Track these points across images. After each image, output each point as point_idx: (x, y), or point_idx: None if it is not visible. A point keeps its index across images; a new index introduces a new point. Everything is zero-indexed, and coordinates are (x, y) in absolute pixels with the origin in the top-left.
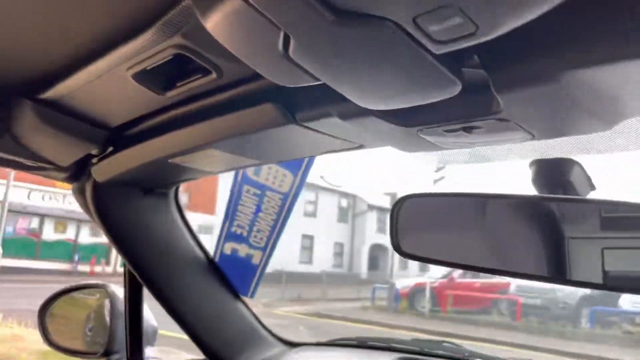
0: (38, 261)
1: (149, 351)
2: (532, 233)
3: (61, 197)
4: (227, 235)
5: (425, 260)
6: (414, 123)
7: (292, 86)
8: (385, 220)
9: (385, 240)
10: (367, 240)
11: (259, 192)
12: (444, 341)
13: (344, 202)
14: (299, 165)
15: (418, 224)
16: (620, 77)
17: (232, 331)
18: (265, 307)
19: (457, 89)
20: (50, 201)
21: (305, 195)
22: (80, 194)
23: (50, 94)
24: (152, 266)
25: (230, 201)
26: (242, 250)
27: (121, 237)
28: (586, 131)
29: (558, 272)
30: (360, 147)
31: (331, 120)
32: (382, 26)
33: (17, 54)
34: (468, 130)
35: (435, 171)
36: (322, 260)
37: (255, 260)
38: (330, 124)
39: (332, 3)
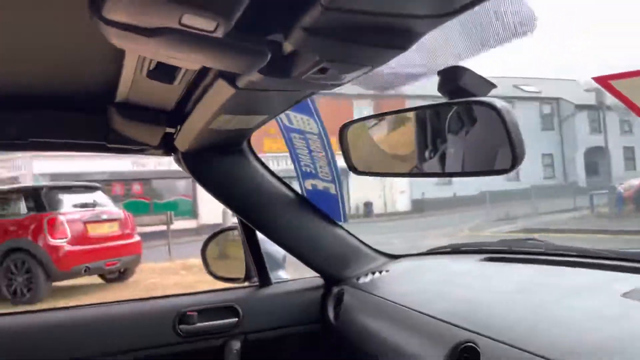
0: None
1: (281, 273)
2: (450, 135)
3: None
4: (302, 174)
5: (376, 174)
6: (288, 74)
7: None
8: (599, 120)
9: (602, 141)
10: (579, 145)
11: (301, 135)
12: (528, 239)
13: (547, 109)
14: (309, 110)
15: (363, 145)
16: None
17: (337, 251)
18: (471, 230)
19: (267, 54)
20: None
21: None
22: (179, 163)
23: (120, 97)
24: (254, 211)
25: (288, 147)
26: (319, 184)
27: (219, 192)
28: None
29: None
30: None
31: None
32: (168, 32)
33: (90, 71)
34: (323, 70)
35: None
36: (530, 174)
37: (332, 191)
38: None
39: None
